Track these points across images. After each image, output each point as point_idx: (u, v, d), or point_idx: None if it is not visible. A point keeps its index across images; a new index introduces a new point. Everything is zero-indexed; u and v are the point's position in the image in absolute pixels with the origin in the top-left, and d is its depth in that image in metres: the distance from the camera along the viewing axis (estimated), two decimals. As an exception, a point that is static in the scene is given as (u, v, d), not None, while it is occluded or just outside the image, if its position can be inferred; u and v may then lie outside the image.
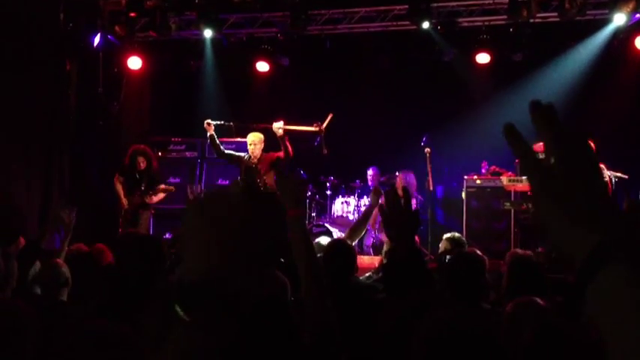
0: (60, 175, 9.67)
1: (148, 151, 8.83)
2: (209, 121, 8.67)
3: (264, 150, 8.66)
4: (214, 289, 0.84)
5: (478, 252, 4.57)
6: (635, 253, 0.77)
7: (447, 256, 5.30)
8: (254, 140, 8.64)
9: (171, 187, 8.99)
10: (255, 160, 8.57)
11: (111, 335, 1.52)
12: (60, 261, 3.94)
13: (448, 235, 6.09)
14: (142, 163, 8.61)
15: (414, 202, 8.94)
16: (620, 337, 0.73)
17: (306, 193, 4.70)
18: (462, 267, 3.44)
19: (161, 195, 8.78)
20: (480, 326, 1.52)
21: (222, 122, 8.98)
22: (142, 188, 8.63)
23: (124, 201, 8.63)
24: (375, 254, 8.81)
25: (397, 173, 9.62)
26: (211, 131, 8.60)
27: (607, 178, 7.36)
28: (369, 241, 9.25)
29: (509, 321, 2.47)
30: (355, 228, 5.00)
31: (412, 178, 8.97)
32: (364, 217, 5.03)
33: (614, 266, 0.77)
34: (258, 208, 0.92)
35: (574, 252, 0.82)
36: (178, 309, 0.83)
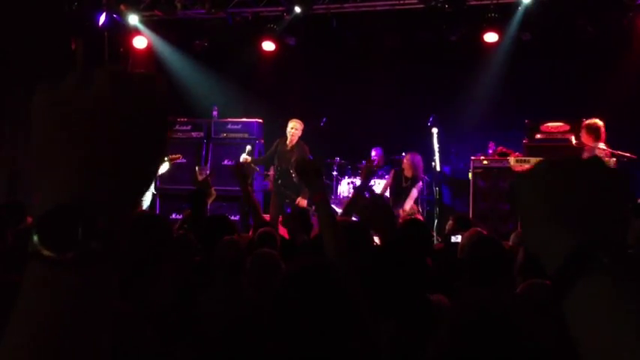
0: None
1: None
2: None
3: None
4: (83, 216, 0.62)
5: (483, 232, 4.56)
6: (619, 261, 0.67)
7: (453, 237, 5.28)
8: (295, 125, 8.88)
9: (178, 155, 8.87)
10: (290, 146, 8.77)
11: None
12: None
13: (455, 215, 6.10)
14: None
15: (419, 184, 8.93)
16: (599, 354, 0.64)
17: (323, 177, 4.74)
18: (483, 251, 3.42)
19: (165, 164, 8.57)
20: (509, 310, 1.50)
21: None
22: None
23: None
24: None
25: (404, 154, 9.59)
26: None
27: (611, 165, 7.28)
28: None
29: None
30: (348, 205, 5.15)
31: (419, 160, 8.94)
32: (355, 195, 5.18)
33: (595, 276, 0.67)
34: (129, 95, 0.68)
35: (548, 255, 0.73)
36: (36, 240, 0.61)
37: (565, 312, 0.68)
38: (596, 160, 0.77)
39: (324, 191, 2.49)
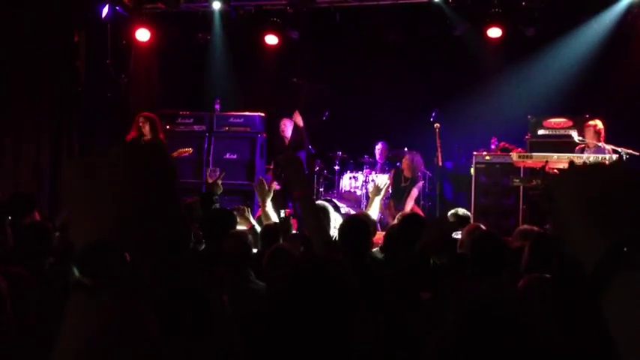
0: (68, 148, 9.68)
1: (153, 116, 8.60)
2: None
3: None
4: (113, 251, 0.78)
5: (483, 227, 4.57)
6: None
7: (453, 233, 5.29)
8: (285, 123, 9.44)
9: (189, 149, 8.85)
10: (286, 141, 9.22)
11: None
12: None
13: (453, 210, 6.11)
14: (145, 126, 8.36)
15: (420, 183, 8.92)
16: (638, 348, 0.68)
17: (306, 172, 4.80)
18: (484, 246, 3.43)
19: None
20: (512, 301, 1.51)
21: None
22: None
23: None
24: (383, 229, 8.81)
25: (406, 149, 9.60)
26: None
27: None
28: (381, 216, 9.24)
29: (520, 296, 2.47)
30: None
31: (418, 160, 8.95)
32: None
33: (631, 272, 0.71)
34: (139, 160, 0.86)
35: (586, 253, 0.77)
36: (77, 273, 0.77)
37: (603, 307, 0.73)
38: (620, 163, 0.84)
39: (307, 187, 2.46)
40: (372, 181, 9.70)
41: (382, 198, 8.48)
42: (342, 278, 1.69)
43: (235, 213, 5.08)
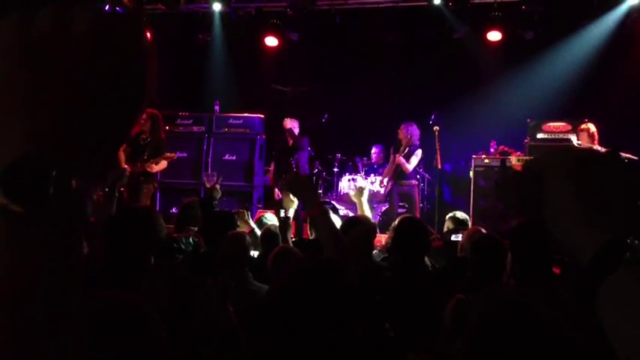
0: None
1: (157, 114, 8.51)
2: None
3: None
4: (53, 169, 0.54)
5: (483, 230, 4.57)
6: None
7: (453, 235, 5.30)
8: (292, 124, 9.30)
9: (173, 155, 8.78)
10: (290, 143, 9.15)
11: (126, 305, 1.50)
12: None
13: (451, 214, 6.12)
14: (146, 124, 8.26)
15: (419, 150, 8.96)
16: (636, 344, 0.63)
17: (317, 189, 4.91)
18: (484, 250, 3.43)
19: (164, 163, 8.51)
20: (537, 304, 1.50)
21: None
22: (145, 157, 8.37)
23: (125, 167, 8.32)
24: (382, 232, 8.82)
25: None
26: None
27: None
28: (375, 218, 9.25)
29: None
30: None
31: (414, 128, 8.98)
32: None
33: (630, 267, 0.67)
34: (112, 33, 0.59)
35: (580, 247, 0.71)
36: (1, 194, 0.53)
37: (600, 303, 0.68)
38: (615, 153, 0.77)
39: (321, 204, 2.41)
40: (371, 183, 9.72)
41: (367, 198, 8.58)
42: (343, 280, 1.69)
43: (235, 216, 5.08)
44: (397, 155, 8.90)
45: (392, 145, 9.82)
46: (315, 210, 2.27)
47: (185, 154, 9.88)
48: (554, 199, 0.75)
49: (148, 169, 8.31)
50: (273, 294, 1.78)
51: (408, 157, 8.92)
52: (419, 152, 8.99)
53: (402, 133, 9.00)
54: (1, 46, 0.58)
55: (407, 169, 8.90)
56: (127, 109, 0.61)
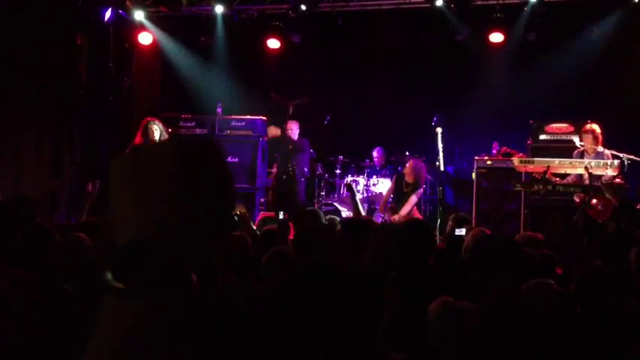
0: (70, 151, 9.69)
1: (162, 123, 8.57)
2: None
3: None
4: (153, 252, 0.72)
5: (487, 231, 4.57)
6: None
7: (457, 230, 5.33)
8: (290, 125, 9.51)
9: None
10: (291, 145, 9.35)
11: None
12: (83, 235, 3.90)
13: (453, 215, 6.13)
14: (155, 132, 8.30)
15: (420, 191, 8.86)
16: None
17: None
18: (487, 250, 3.43)
19: None
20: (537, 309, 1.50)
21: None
22: None
23: None
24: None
25: (407, 154, 9.59)
26: None
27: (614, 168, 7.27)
28: (377, 219, 9.24)
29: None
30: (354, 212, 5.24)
31: (422, 167, 8.86)
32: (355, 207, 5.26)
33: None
34: (192, 157, 0.77)
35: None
36: (110, 276, 0.71)
37: None
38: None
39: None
40: (374, 185, 9.71)
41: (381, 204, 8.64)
42: (342, 281, 1.69)
43: (236, 218, 5.08)
44: (409, 201, 8.69)
45: (393, 150, 9.85)
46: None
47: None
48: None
49: None
50: (269, 296, 1.79)
51: (409, 194, 8.75)
52: (421, 191, 8.87)
53: (408, 169, 8.80)
54: (114, 174, 0.79)
55: (408, 211, 8.75)
56: (215, 214, 0.78)
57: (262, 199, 10.16)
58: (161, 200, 0.73)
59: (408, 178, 8.80)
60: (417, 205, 9.08)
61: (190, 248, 0.75)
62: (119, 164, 0.78)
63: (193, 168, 0.75)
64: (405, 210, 8.64)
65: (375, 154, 10.19)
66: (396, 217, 8.53)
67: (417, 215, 8.82)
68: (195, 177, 0.75)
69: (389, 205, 8.93)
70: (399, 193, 8.94)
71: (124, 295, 0.70)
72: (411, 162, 8.93)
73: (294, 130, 9.42)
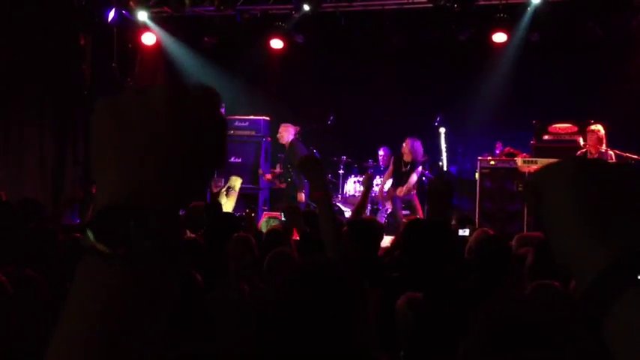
0: (74, 151, 9.71)
1: None
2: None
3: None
4: (139, 216, 0.65)
5: (490, 232, 4.57)
6: None
7: (460, 230, 5.34)
8: (279, 130, 9.41)
9: None
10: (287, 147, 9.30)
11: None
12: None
13: (456, 215, 6.15)
14: None
15: (419, 169, 8.95)
16: None
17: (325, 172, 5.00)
18: (490, 251, 3.43)
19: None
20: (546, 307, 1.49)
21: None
22: None
23: None
24: (387, 234, 8.82)
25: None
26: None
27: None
28: (381, 219, 9.26)
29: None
30: (358, 209, 5.30)
31: (418, 145, 8.95)
32: (363, 197, 5.39)
33: (635, 292, 0.59)
34: (185, 105, 0.69)
35: (580, 265, 0.64)
36: (92, 237, 0.64)
37: (605, 329, 0.60)
38: (627, 164, 0.72)
39: (326, 188, 2.51)
40: (377, 185, 9.73)
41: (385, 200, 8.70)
42: (343, 280, 1.70)
43: (241, 219, 5.11)
44: (409, 180, 8.81)
45: (396, 149, 9.84)
46: (320, 192, 2.34)
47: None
48: (554, 211, 0.69)
49: None
50: (271, 296, 1.80)
51: (410, 172, 8.87)
52: (420, 169, 8.96)
53: (406, 148, 8.95)
54: (96, 117, 0.70)
55: (411, 187, 8.84)
56: (201, 167, 0.71)
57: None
58: (148, 155, 0.66)
59: (407, 158, 8.89)
60: (420, 205, 9.10)
61: (175, 209, 0.69)
62: (102, 113, 0.69)
63: (186, 116, 0.68)
64: (406, 187, 8.76)
65: (380, 152, 10.19)
66: (401, 189, 8.66)
67: (420, 215, 8.84)
68: (188, 127, 0.68)
69: (385, 195, 9.09)
70: (398, 174, 9.01)
71: (108, 260, 0.63)
72: (407, 141, 8.98)
73: (282, 134, 9.28)
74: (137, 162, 0.67)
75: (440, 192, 2.43)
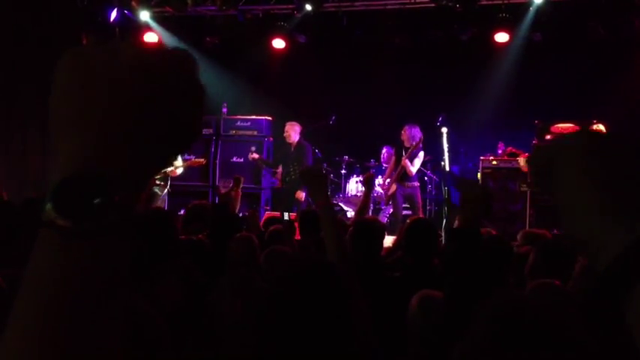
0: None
1: None
2: None
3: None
4: (103, 187, 0.58)
5: (493, 232, 4.56)
6: None
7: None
8: (286, 128, 9.28)
9: (202, 160, 8.96)
10: (292, 147, 9.25)
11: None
12: None
13: (459, 215, 6.11)
14: None
15: (421, 152, 8.99)
16: None
17: (328, 184, 5.04)
18: (491, 251, 3.42)
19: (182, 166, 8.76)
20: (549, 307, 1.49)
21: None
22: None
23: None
24: (389, 233, 8.81)
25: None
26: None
27: None
28: (383, 219, 9.25)
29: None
30: (361, 209, 5.35)
31: (417, 131, 8.94)
32: (366, 197, 5.43)
33: None
34: (158, 64, 0.62)
35: (598, 247, 0.60)
36: (50, 209, 0.57)
37: (627, 309, 0.58)
38: None
39: (327, 198, 2.52)
40: (379, 185, 9.71)
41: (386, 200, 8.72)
42: (334, 279, 1.70)
43: (245, 219, 5.11)
44: (403, 158, 8.88)
45: (398, 150, 9.84)
46: (321, 202, 2.35)
47: (192, 157, 9.91)
48: (567, 187, 0.64)
49: (171, 174, 8.48)
50: (268, 297, 1.80)
51: (411, 160, 8.89)
52: (421, 155, 8.97)
53: (405, 135, 8.98)
54: (60, 70, 0.64)
55: (411, 171, 8.88)
56: (173, 134, 0.64)
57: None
58: (114, 116, 0.59)
59: (407, 144, 8.90)
60: (422, 205, 9.11)
61: (137, 179, 0.62)
62: (65, 67, 0.62)
63: (158, 76, 0.61)
64: (409, 167, 8.80)
65: (384, 151, 10.18)
66: (408, 164, 8.74)
67: (420, 213, 8.85)
68: (159, 87, 0.61)
69: (386, 186, 9.13)
70: (400, 161, 9.03)
71: (69, 236, 0.57)
72: (405, 127, 8.99)
73: (290, 133, 9.28)
74: (101, 124, 0.60)
75: (473, 199, 2.39)
